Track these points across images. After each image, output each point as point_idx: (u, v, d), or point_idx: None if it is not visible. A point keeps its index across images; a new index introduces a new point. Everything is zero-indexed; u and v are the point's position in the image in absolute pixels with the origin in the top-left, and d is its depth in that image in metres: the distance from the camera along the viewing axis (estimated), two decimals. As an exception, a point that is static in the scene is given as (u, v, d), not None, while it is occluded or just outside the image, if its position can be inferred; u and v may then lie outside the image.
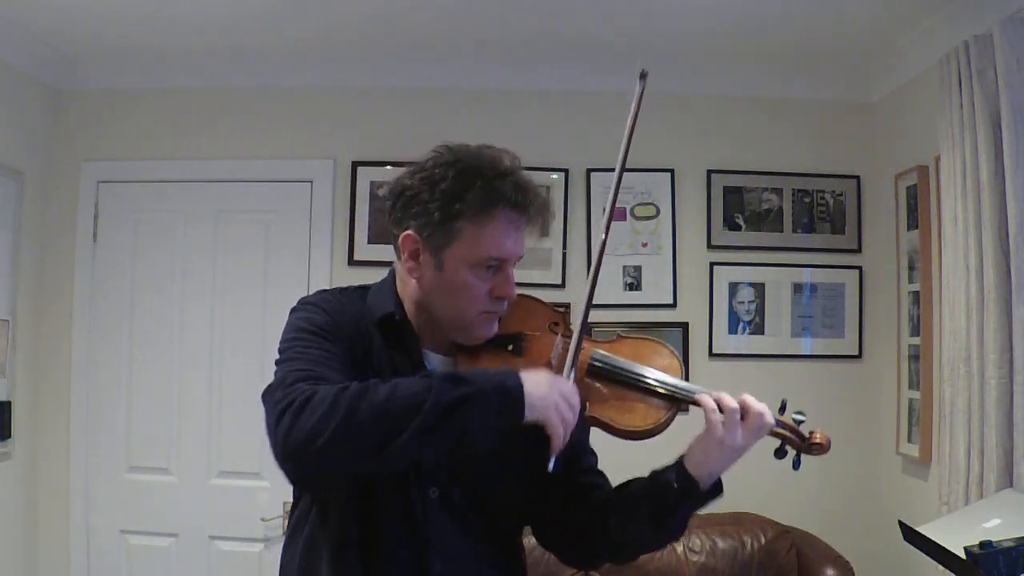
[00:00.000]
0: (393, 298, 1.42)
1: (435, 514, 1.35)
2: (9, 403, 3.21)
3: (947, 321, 2.68)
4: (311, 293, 1.44)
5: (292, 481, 1.25)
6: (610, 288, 3.48)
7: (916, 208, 3.10)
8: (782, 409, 1.44)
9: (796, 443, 1.41)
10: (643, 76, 1.42)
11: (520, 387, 1.21)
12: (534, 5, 2.99)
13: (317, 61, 3.46)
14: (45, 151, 3.46)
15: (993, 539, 1.63)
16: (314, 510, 1.39)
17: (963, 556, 1.67)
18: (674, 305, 3.49)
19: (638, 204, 3.51)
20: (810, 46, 3.30)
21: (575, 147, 3.51)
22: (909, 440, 3.14)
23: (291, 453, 1.17)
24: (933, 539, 1.84)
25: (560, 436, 1.24)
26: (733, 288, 3.50)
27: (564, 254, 3.49)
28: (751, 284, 3.50)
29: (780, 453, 1.43)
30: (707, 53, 3.39)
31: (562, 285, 3.47)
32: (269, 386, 1.26)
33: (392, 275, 1.46)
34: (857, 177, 3.54)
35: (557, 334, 1.41)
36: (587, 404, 1.33)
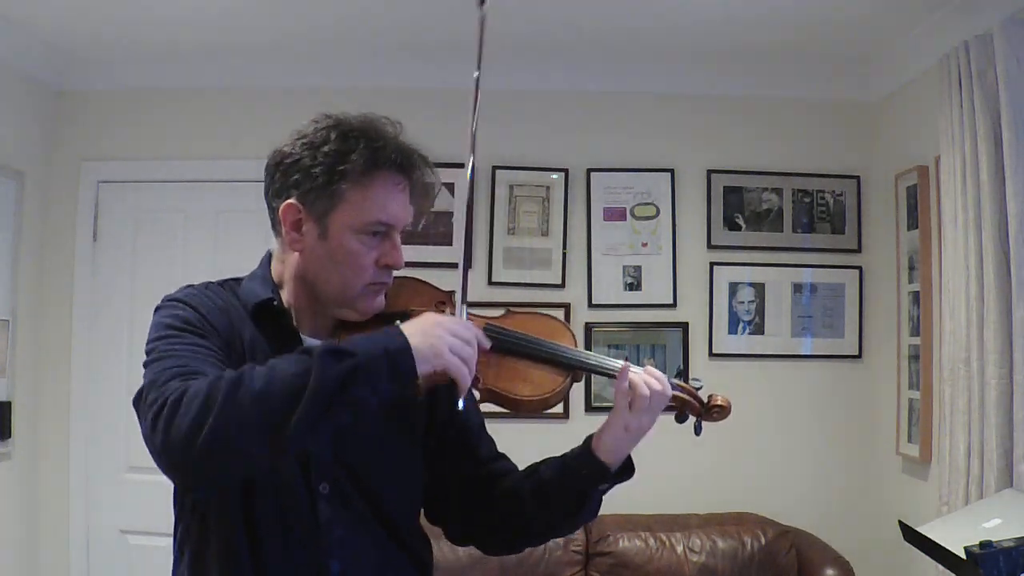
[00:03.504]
0: (269, 284, 1.33)
1: (328, 510, 1.25)
2: (9, 403, 3.21)
3: (947, 321, 2.68)
4: (176, 290, 1.34)
5: (185, 487, 1.15)
6: (610, 288, 3.48)
7: (916, 208, 3.10)
8: (680, 375, 1.42)
9: (696, 408, 1.39)
10: (482, 2, 1.38)
11: (406, 345, 1.13)
12: (534, 6, 2.99)
13: (316, 62, 3.46)
14: (45, 151, 3.46)
15: (993, 539, 1.63)
16: (194, 520, 1.27)
17: (963, 556, 1.67)
18: (674, 305, 3.49)
19: (638, 204, 3.51)
20: (810, 46, 3.30)
21: (575, 147, 3.51)
22: (909, 440, 3.14)
23: (172, 457, 1.08)
24: (933, 539, 1.84)
25: (464, 376, 1.16)
26: (733, 288, 3.50)
27: (564, 254, 3.48)
28: (751, 284, 3.50)
29: (681, 418, 1.40)
30: (707, 53, 3.39)
31: (562, 285, 3.48)
32: (140, 390, 1.17)
33: (266, 260, 1.38)
34: (857, 177, 3.54)
35: (445, 311, 1.36)
36: (480, 378, 1.27)
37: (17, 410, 3.25)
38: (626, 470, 1.36)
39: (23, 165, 3.30)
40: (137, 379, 1.23)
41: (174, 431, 1.06)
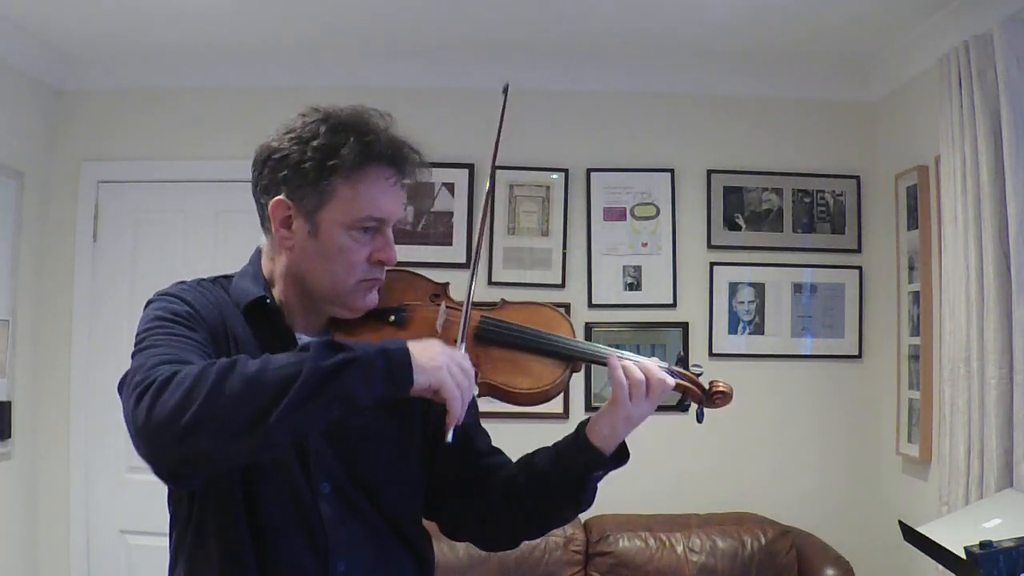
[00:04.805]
0: (260, 281, 1.32)
1: (331, 511, 1.24)
2: (9, 403, 3.21)
3: (947, 321, 2.69)
4: (168, 286, 1.33)
5: (161, 475, 1.09)
6: (610, 288, 3.48)
7: (916, 208, 3.10)
8: (681, 362, 1.41)
9: (698, 395, 1.37)
10: (505, 91, 1.37)
11: (405, 349, 1.11)
12: (535, 5, 2.99)
13: (316, 61, 3.46)
14: (45, 151, 3.46)
15: (993, 539, 1.63)
16: (193, 522, 1.25)
17: (963, 556, 1.67)
18: (674, 305, 3.48)
19: (638, 204, 3.51)
20: (810, 46, 3.30)
21: (575, 147, 3.51)
22: (909, 440, 3.14)
23: (152, 437, 1.05)
24: (933, 539, 1.85)
25: (457, 402, 1.13)
26: (733, 288, 3.50)
27: (564, 254, 3.48)
28: (751, 284, 3.50)
29: (682, 406, 1.39)
30: (707, 53, 3.39)
31: (562, 285, 3.47)
32: (125, 374, 1.15)
33: (256, 257, 1.37)
34: (857, 177, 3.54)
35: (440, 304, 1.35)
36: (479, 372, 1.26)
37: (17, 410, 3.25)
38: (621, 455, 1.35)
39: (23, 165, 3.30)
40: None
41: (158, 408, 1.04)
